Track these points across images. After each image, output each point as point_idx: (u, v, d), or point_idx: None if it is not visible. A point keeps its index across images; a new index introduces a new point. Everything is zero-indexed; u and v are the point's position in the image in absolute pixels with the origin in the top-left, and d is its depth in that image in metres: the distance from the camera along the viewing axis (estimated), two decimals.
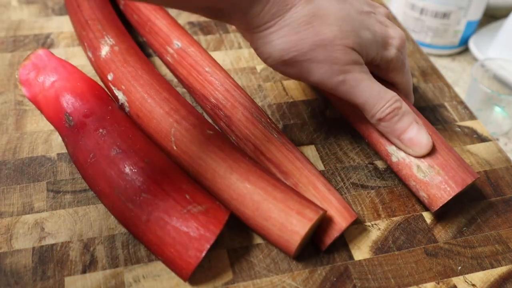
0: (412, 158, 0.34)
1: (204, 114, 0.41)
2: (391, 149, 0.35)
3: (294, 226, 0.30)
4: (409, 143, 0.34)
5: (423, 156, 0.34)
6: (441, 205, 0.33)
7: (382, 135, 0.36)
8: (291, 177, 0.34)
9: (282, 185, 0.32)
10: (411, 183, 0.35)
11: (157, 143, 0.36)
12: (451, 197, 0.33)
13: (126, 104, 0.37)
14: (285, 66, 0.32)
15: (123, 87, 0.38)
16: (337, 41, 0.31)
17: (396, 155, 0.35)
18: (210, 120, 0.40)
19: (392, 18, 0.39)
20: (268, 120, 0.37)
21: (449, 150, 0.35)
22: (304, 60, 0.32)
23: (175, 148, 0.34)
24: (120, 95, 0.38)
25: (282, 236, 0.31)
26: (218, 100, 0.38)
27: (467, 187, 0.35)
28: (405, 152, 0.35)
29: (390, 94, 0.34)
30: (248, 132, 0.36)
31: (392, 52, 0.35)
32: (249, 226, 0.32)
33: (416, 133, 0.34)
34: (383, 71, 0.37)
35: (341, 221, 0.32)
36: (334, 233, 0.32)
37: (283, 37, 0.31)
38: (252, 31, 0.32)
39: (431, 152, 0.34)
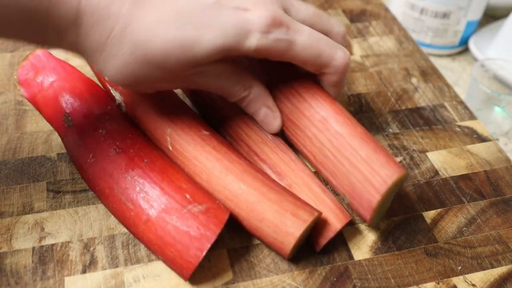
0: (330, 187, 0.34)
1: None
2: (320, 176, 0.35)
3: (289, 228, 0.30)
4: (261, 124, 0.36)
5: (335, 184, 0.33)
6: (370, 223, 0.33)
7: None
8: (285, 178, 0.34)
9: (277, 186, 0.32)
10: None
11: (154, 143, 0.36)
12: (368, 220, 0.32)
13: (123, 104, 0.37)
14: (132, 87, 0.33)
15: (120, 87, 0.38)
16: (171, 60, 0.30)
17: (325, 183, 0.35)
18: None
19: None
20: None
21: (354, 165, 0.32)
22: (144, 82, 0.31)
23: (170, 148, 0.34)
24: (117, 96, 0.38)
25: (276, 237, 0.31)
26: (214, 101, 0.38)
27: (392, 190, 0.32)
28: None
29: (239, 85, 0.34)
30: (242, 133, 0.36)
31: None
32: (244, 227, 0.32)
33: (263, 116, 0.35)
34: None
35: (336, 222, 0.32)
36: (329, 234, 0.32)
37: (113, 66, 0.30)
38: (84, 58, 0.31)
39: (338, 177, 0.33)
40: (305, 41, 0.32)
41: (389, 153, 0.34)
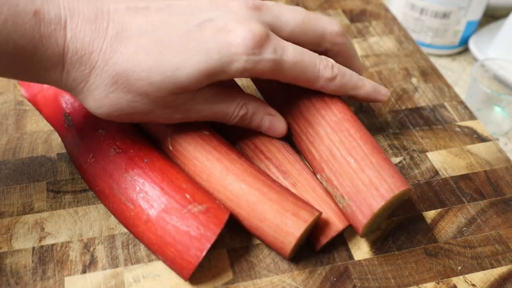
0: (330, 188, 0.33)
1: None
2: (320, 178, 0.34)
3: (289, 228, 0.30)
4: (268, 133, 0.36)
5: (336, 184, 0.33)
6: (361, 235, 0.32)
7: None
8: (290, 177, 0.34)
9: (278, 186, 0.32)
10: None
11: (154, 143, 0.36)
12: (362, 228, 0.31)
13: None
14: (121, 120, 0.32)
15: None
16: (152, 95, 0.30)
17: (324, 185, 0.34)
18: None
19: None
20: None
21: (362, 168, 0.32)
22: (130, 114, 0.31)
23: (171, 148, 0.34)
24: None
25: (277, 237, 0.31)
26: None
27: (392, 203, 0.32)
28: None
29: (234, 105, 0.34)
30: (248, 131, 0.36)
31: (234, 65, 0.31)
32: (244, 227, 0.32)
33: (269, 124, 0.35)
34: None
35: (338, 222, 0.32)
36: (330, 234, 0.32)
37: (97, 102, 0.30)
38: (70, 93, 0.31)
39: (343, 178, 0.32)
40: (291, 58, 0.32)
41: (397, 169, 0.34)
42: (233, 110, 0.34)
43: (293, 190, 0.33)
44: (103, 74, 0.29)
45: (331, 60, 0.34)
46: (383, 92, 0.37)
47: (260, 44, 0.30)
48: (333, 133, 0.34)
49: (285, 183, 0.34)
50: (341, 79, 0.34)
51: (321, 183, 0.34)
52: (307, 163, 0.36)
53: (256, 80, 0.40)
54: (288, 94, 0.36)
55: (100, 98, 0.30)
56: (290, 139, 0.37)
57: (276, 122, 0.35)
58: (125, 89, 0.29)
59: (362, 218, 0.31)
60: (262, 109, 0.35)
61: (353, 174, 0.32)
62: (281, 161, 0.35)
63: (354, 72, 0.36)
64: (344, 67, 0.35)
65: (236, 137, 0.37)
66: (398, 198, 0.32)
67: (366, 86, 0.36)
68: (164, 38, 0.29)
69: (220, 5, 0.31)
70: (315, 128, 0.34)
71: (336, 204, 0.33)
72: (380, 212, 0.31)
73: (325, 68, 0.33)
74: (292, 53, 0.32)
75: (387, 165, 0.32)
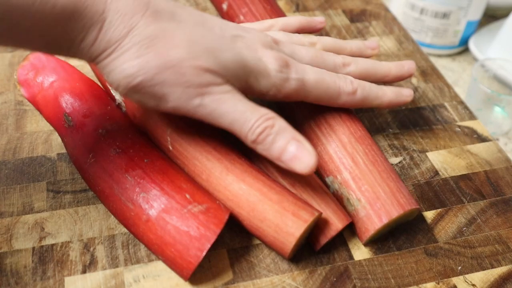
0: (344, 190, 0.34)
1: None
2: (328, 179, 0.35)
3: (290, 228, 0.30)
4: (290, 163, 0.30)
5: (353, 188, 0.33)
6: (366, 239, 0.33)
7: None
8: (289, 177, 0.34)
9: (278, 186, 0.32)
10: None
11: (154, 143, 0.36)
12: (374, 231, 0.32)
13: (123, 104, 0.37)
14: (137, 94, 0.30)
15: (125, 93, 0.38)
16: (186, 63, 0.29)
17: (332, 187, 0.35)
18: None
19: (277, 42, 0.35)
20: None
21: (384, 179, 0.33)
22: (153, 85, 0.29)
23: (171, 148, 0.34)
24: (117, 95, 0.38)
25: (277, 237, 0.31)
26: None
27: (402, 218, 0.34)
28: (293, 170, 0.31)
29: (259, 113, 0.30)
30: None
31: (271, 78, 0.32)
32: (244, 227, 0.32)
33: (296, 151, 0.30)
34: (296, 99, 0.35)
35: (337, 222, 0.32)
36: (330, 233, 0.32)
37: (125, 63, 0.29)
38: (96, 62, 0.30)
39: (362, 183, 0.33)
40: (312, 78, 0.34)
41: None
42: (256, 119, 0.30)
43: (292, 190, 0.33)
44: (142, 33, 0.29)
45: (350, 77, 0.36)
46: (406, 93, 0.38)
47: (286, 65, 0.33)
48: (357, 144, 0.35)
49: (284, 183, 0.34)
50: (362, 92, 0.36)
51: (324, 183, 0.34)
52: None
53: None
54: (312, 105, 0.37)
55: (129, 60, 0.29)
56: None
57: (304, 152, 0.30)
58: (158, 52, 0.29)
59: (378, 222, 0.32)
60: (290, 131, 0.31)
61: (374, 182, 0.33)
62: None
63: (373, 84, 0.37)
64: (363, 81, 0.36)
65: (235, 138, 0.37)
66: (407, 216, 0.34)
67: (387, 94, 0.37)
68: (204, 30, 0.31)
69: (247, 29, 0.34)
70: (339, 135, 0.35)
71: (335, 203, 0.33)
72: (391, 223, 0.33)
73: (345, 83, 0.35)
74: (313, 73, 0.34)
75: (403, 184, 0.35)
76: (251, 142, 0.31)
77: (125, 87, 0.29)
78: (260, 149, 0.31)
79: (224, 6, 0.47)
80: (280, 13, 0.45)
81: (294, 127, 0.31)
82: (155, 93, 0.30)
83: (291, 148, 0.30)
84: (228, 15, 0.47)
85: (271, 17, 0.43)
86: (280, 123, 0.31)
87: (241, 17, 0.45)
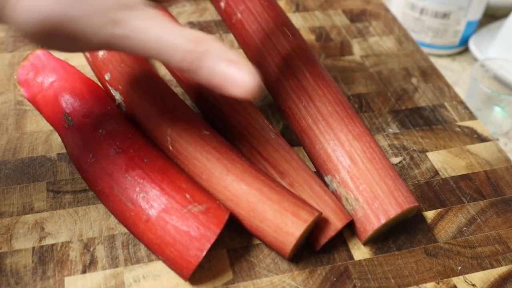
0: (342, 189, 0.34)
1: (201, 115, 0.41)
2: (327, 178, 0.35)
3: (289, 228, 0.30)
4: (223, 87, 0.26)
5: (351, 187, 0.33)
6: (364, 239, 0.33)
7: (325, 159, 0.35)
8: (287, 177, 0.34)
9: (278, 186, 0.32)
10: None
11: (154, 143, 0.36)
12: (372, 231, 0.32)
13: (123, 104, 0.37)
14: (52, 38, 0.25)
15: (120, 87, 0.38)
16: None
17: (331, 186, 0.35)
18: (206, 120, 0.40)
19: None
20: (265, 120, 0.37)
21: (382, 178, 0.33)
22: (68, 20, 0.25)
23: (171, 148, 0.34)
24: (117, 95, 0.38)
25: (277, 237, 0.31)
26: (216, 100, 0.38)
27: (401, 216, 0.34)
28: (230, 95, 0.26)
29: (187, 36, 0.26)
30: (244, 131, 0.36)
31: None
32: (244, 227, 0.32)
33: (227, 72, 0.26)
34: None
35: (336, 221, 0.32)
36: (329, 233, 0.32)
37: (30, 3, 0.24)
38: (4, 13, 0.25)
39: (360, 182, 0.33)
40: None
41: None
42: (183, 43, 0.26)
43: (291, 190, 0.33)
44: None
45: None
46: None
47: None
48: (355, 141, 0.35)
49: (283, 183, 0.34)
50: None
51: (322, 182, 0.34)
52: (312, 162, 0.36)
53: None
54: (308, 101, 0.37)
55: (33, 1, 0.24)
56: (293, 135, 0.37)
57: (236, 72, 0.26)
58: None
59: (376, 222, 0.32)
60: (221, 52, 0.26)
61: (372, 181, 0.33)
62: (278, 161, 0.35)
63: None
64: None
65: (233, 138, 0.37)
66: (406, 213, 0.34)
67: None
68: None
69: None
70: (337, 133, 0.35)
71: (334, 203, 0.33)
72: (390, 221, 0.33)
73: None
74: None
75: (402, 182, 0.34)
76: (181, 70, 0.27)
77: (36, 31, 0.25)
78: (189, 74, 0.27)
79: (222, 4, 0.47)
80: (278, 10, 0.45)
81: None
82: (72, 32, 0.25)
83: (221, 68, 0.26)
84: (225, 13, 0.47)
85: (268, 14, 0.43)
86: (211, 45, 0.26)
87: (239, 15, 0.45)
